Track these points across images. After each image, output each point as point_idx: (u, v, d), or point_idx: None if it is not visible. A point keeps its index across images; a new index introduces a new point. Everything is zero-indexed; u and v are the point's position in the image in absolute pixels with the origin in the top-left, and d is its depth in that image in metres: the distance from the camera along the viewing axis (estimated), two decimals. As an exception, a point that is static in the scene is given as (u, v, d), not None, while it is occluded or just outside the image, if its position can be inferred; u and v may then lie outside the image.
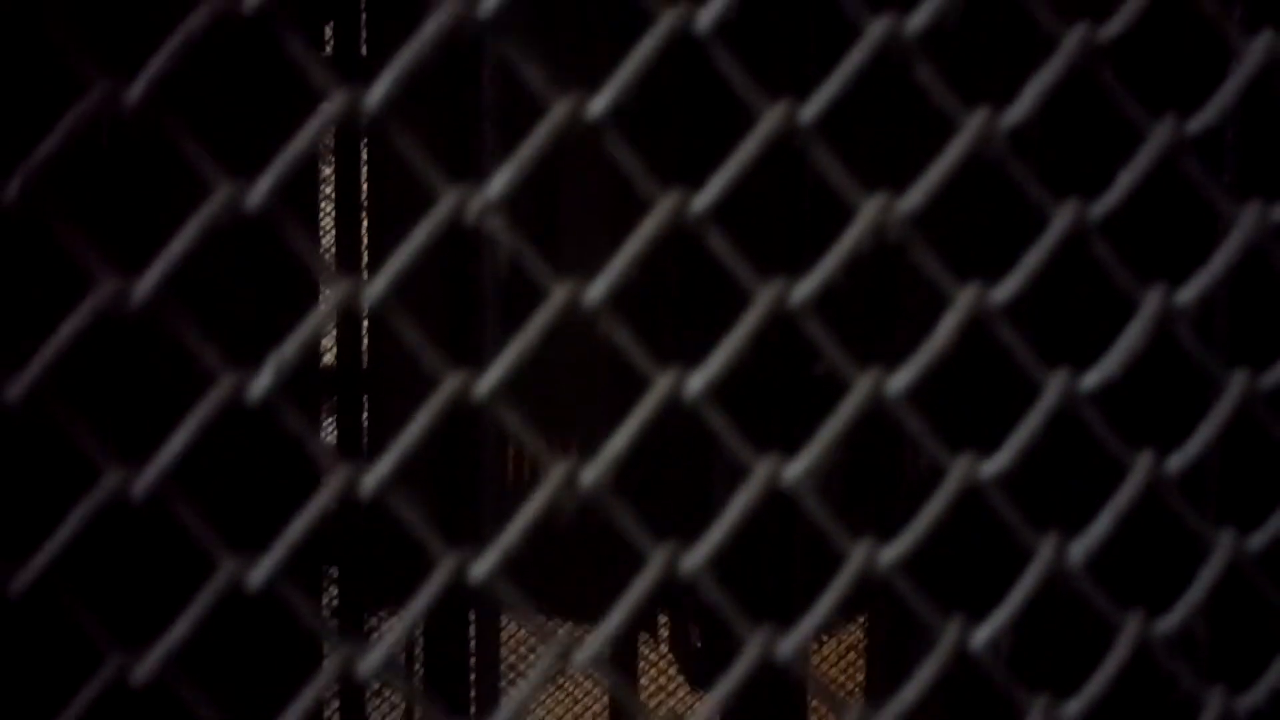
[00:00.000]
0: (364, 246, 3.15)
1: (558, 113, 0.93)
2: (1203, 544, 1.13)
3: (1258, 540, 1.12)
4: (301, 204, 2.79)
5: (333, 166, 3.17)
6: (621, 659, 3.35)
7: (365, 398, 3.17)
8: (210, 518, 0.92)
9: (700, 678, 3.45)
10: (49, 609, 0.95)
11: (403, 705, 3.49)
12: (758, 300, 0.97)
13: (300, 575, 0.92)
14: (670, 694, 3.92)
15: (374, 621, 3.23)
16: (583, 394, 3.06)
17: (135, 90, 0.89)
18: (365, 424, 3.18)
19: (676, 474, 3.07)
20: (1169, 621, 1.11)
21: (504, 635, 3.22)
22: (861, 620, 3.45)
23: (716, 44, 0.95)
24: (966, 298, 1.02)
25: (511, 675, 3.45)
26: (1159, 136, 1.06)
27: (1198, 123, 1.07)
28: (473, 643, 3.10)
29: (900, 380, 1.01)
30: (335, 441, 3.16)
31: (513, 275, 2.94)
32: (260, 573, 0.92)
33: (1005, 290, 1.02)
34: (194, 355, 0.90)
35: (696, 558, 0.99)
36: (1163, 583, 1.18)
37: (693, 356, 0.98)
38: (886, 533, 1.05)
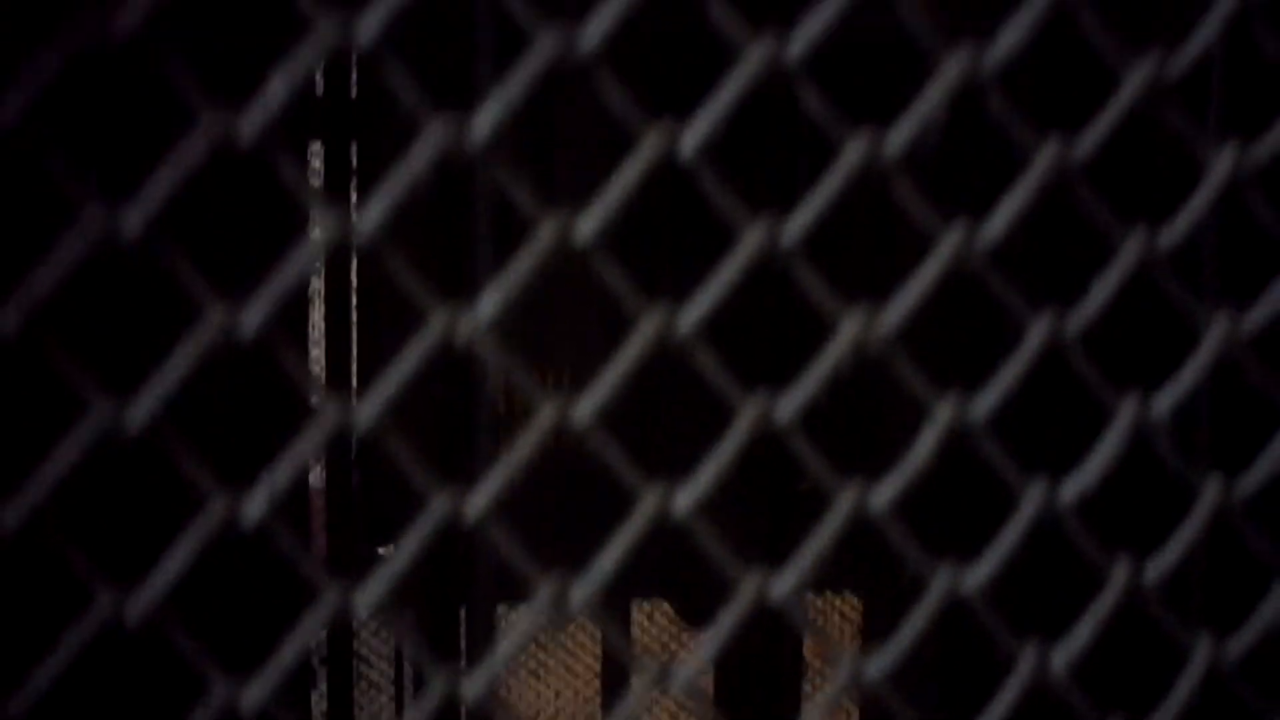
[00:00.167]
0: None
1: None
2: (1191, 490, 1.13)
3: (1247, 484, 1.12)
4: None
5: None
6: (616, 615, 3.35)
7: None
8: (202, 456, 0.93)
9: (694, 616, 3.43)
10: (39, 550, 0.95)
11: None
12: (746, 238, 0.97)
13: (293, 514, 0.93)
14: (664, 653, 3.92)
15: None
16: (576, 325, 3.06)
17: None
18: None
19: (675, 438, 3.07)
20: (1158, 565, 1.11)
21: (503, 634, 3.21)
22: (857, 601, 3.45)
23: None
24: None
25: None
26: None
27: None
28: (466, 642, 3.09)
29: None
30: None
31: (503, 210, 2.94)
32: (254, 508, 0.92)
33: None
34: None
35: (688, 497, 0.99)
36: (1153, 532, 1.18)
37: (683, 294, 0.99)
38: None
